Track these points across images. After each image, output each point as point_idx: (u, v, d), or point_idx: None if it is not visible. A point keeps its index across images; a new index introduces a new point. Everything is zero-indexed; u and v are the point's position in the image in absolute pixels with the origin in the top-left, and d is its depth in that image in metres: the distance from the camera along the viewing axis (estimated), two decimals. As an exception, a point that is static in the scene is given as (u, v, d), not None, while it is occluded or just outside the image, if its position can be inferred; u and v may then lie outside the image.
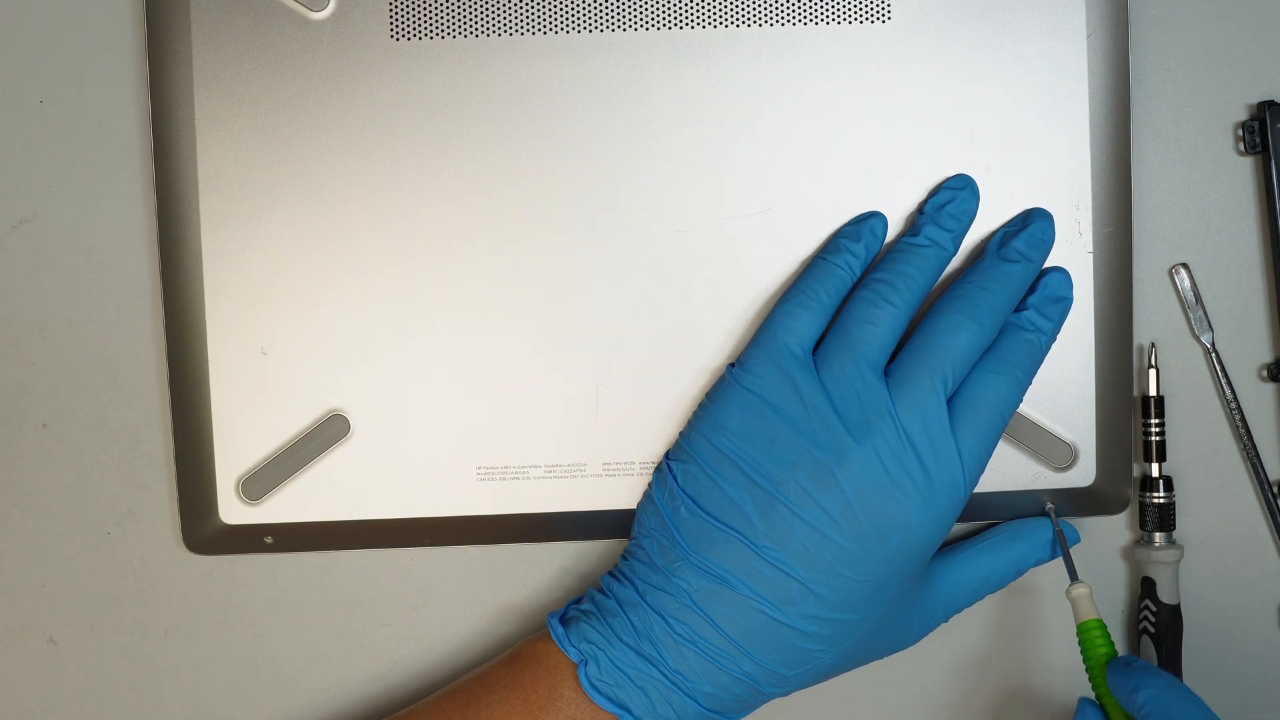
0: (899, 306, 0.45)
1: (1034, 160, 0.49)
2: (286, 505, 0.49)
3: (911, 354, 0.45)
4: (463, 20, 0.48)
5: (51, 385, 0.51)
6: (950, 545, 0.49)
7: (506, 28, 0.48)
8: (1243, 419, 0.52)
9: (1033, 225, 0.47)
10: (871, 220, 0.48)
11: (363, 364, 0.49)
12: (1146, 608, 0.51)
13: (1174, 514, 0.51)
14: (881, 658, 0.48)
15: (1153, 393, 0.51)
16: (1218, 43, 0.51)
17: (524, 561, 0.52)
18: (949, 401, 0.45)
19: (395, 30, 0.48)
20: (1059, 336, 0.48)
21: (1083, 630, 0.47)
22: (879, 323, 0.45)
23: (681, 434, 0.48)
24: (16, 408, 0.51)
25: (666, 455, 0.48)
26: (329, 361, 0.49)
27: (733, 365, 0.47)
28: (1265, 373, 0.52)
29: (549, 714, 0.45)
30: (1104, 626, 0.47)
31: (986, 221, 0.49)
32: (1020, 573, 0.49)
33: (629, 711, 0.45)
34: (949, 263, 0.47)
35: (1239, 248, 0.52)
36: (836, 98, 0.48)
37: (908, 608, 0.47)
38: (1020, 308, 0.47)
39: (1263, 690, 0.53)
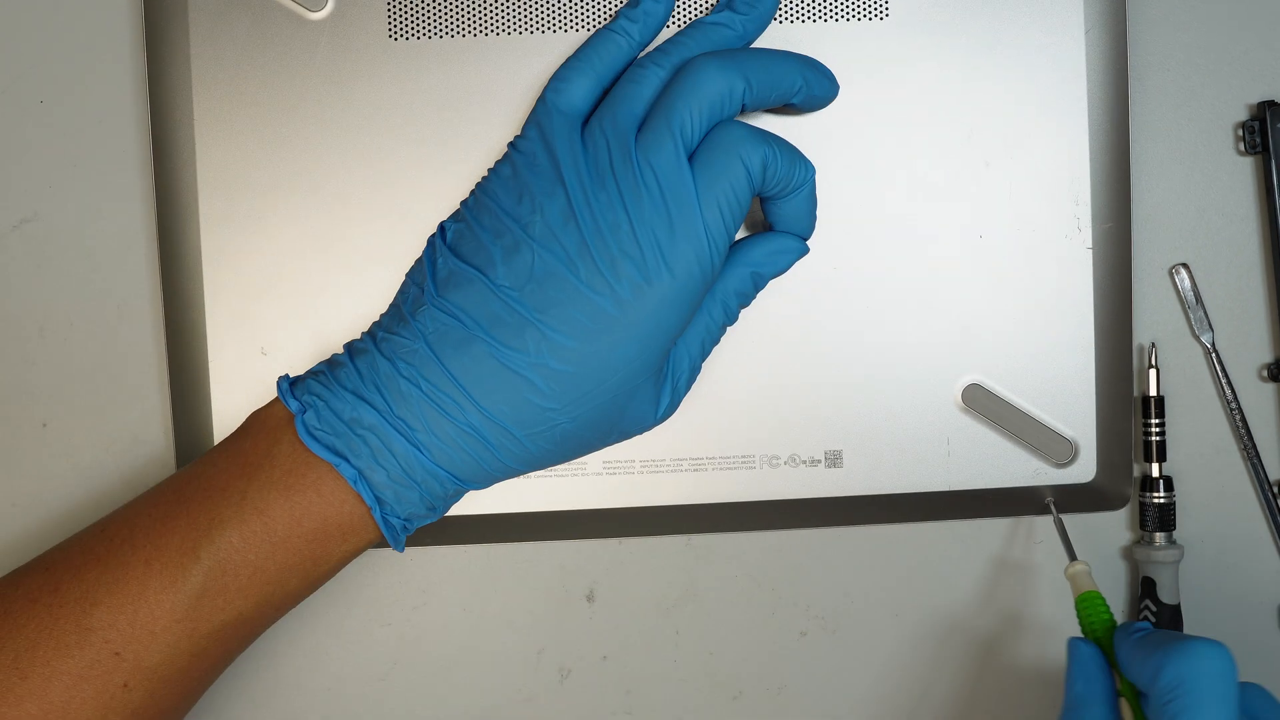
0: (666, 69, 0.45)
1: (1032, 156, 0.49)
2: (286, 505, 0.49)
3: (656, 105, 0.44)
4: (461, 20, 0.48)
5: (51, 385, 0.51)
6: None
7: (505, 27, 0.48)
8: (1243, 419, 0.52)
9: None
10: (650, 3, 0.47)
11: (362, 364, 0.49)
12: (1147, 608, 0.51)
13: (1174, 514, 0.51)
14: (629, 437, 0.47)
15: (1153, 393, 0.51)
16: (1218, 43, 0.51)
17: (524, 561, 0.52)
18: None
19: (393, 30, 0.48)
20: (1059, 336, 0.48)
21: (1083, 601, 0.46)
22: (643, 81, 0.44)
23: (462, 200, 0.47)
24: (16, 408, 0.51)
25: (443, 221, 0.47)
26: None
27: None
28: (1265, 373, 0.52)
29: (265, 470, 0.43)
30: (1103, 598, 0.46)
31: (984, 216, 0.49)
32: (760, 282, 0.47)
33: (347, 461, 0.43)
34: (736, 45, 0.47)
35: (1239, 248, 0.52)
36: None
37: (650, 379, 0.45)
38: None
39: (1263, 690, 0.53)
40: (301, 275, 0.48)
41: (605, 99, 0.45)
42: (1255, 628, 0.53)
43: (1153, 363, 0.51)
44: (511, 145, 0.46)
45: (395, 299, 0.46)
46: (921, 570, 0.52)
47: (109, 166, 0.50)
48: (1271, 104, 0.51)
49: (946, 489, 0.50)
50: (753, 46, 0.47)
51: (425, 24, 0.48)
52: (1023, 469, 0.50)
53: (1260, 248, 0.52)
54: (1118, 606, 0.53)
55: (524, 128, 0.46)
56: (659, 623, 0.52)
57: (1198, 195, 0.52)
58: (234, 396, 0.49)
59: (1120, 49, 0.49)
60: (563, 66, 0.46)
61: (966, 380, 0.50)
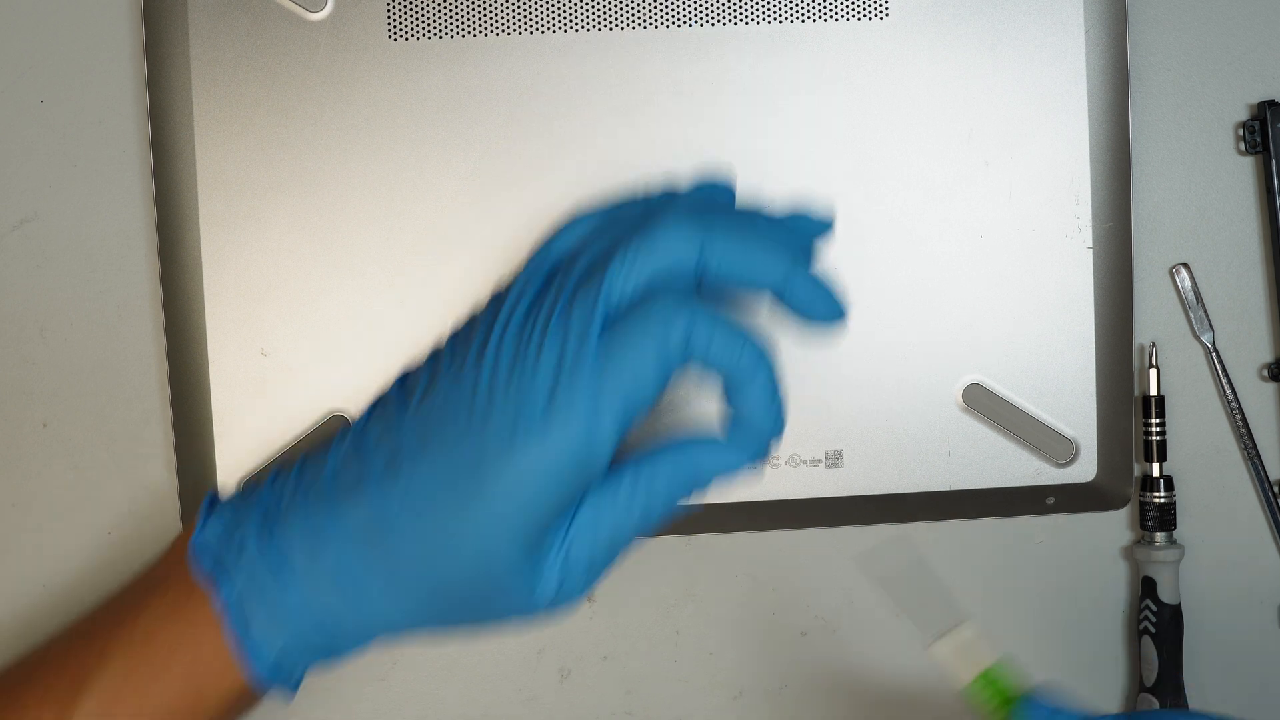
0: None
1: (1032, 155, 0.49)
2: (286, 505, 0.49)
3: (608, 250, 0.40)
4: (460, 20, 0.48)
5: (51, 385, 0.51)
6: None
7: (504, 27, 0.48)
8: (1243, 419, 0.52)
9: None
10: (716, 182, 0.43)
11: (363, 364, 0.49)
12: (1147, 608, 0.51)
13: (1174, 514, 0.51)
14: (509, 617, 0.40)
15: (1153, 392, 0.51)
16: (1218, 43, 0.51)
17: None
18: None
19: (393, 30, 0.48)
20: (1059, 336, 0.48)
21: (985, 680, 0.39)
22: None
23: None
24: (16, 408, 0.51)
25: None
26: (329, 362, 0.49)
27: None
28: (1266, 373, 0.52)
29: (158, 593, 0.41)
30: (1005, 667, 0.40)
31: (984, 216, 0.49)
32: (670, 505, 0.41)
33: (224, 589, 0.40)
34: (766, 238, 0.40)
35: (1239, 248, 0.52)
36: (835, 94, 0.48)
37: (521, 554, 0.39)
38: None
39: (1263, 690, 0.53)
40: (301, 276, 0.48)
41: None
42: (1255, 628, 0.53)
43: (1153, 362, 0.51)
44: (495, 289, 0.44)
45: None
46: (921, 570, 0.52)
47: (109, 166, 0.50)
48: (1272, 104, 0.51)
49: (947, 489, 0.50)
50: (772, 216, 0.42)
51: (425, 24, 0.48)
52: (1023, 469, 0.50)
53: (1260, 248, 0.52)
54: (1118, 607, 0.53)
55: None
56: (659, 623, 0.52)
57: (1198, 195, 0.52)
58: (234, 396, 0.49)
59: (1120, 49, 0.49)
60: (573, 216, 0.44)
61: (967, 380, 0.50)
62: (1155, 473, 0.51)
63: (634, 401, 0.38)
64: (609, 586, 0.52)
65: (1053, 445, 0.50)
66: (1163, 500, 0.51)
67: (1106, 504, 0.51)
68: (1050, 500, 0.50)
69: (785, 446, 0.49)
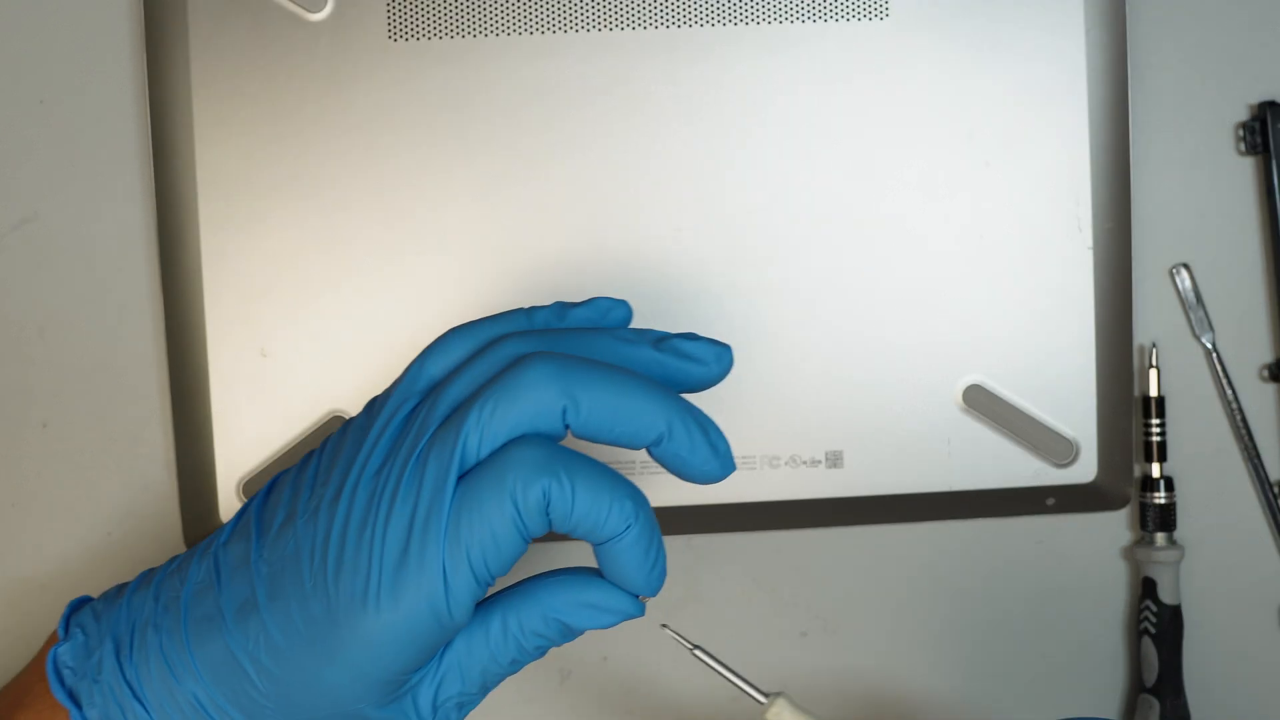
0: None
1: (1033, 155, 0.49)
2: (286, 505, 0.49)
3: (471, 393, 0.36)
4: (460, 20, 0.48)
5: (51, 385, 0.51)
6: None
7: (504, 27, 0.48)
8: (1243, 419, 0.52)
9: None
10: (606, 300, 0.40)
11: (362, 364, 0.49)
12: (1147, 608, 0.51)
13: (1175, 514, 0.51)
14: None
15: (1153, 393, 0.51)
16: (1218, 43, 0.51)
17: (524, 561, 0.52)
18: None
19: (393, 31, 0.48)
20: (1059, 336, 0.48)
21: None
22: (488, 360, 0.37)
23: None
24: (16, 408, 0.51)
25: None
26: (329, 362, 0.49)
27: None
28: (1266, 373, 0.52)
29: (24, 707, 0.38)
30: None
31: (984, 216, 0.49)
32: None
33: (80, 709, 0.38)
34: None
35: (1239, 248, 0.52)
36: (835, 95, 0.48)
37: (378, 711, 0.37)
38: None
39: (1263, 690, 0.53)
40: (301, 276, 0.48)
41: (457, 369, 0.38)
42: (1255, 628, 0.53)
43: (1153, 363, 0.51)
44: (371, 401, 0.39)
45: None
46: (921, 570, 0.52)
47: (109, 166, 0.50)
48: (1272, 104, 0.51)
49: (947, 489, 0.50)
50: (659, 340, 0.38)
51: (425, 24, 0.48)
52: (1023, 469, 0.50)
53: (1260, 248, 0.52)
54: (1118, 607, 0.53)
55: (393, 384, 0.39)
56: (659, 623, 0.52)
57: (1198, 195, 0.52)
58: (234, 396, 0.49)
59: (1120, 49, 0.49)
60: (449, 330, 0.39)
61: (967, 380, 0.50)
62: (1155, 473, 0.51)
63: (493, 563, 0.35)
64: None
65: (1053, 446, 0.50)
66: (1163, 501, 0.51)
67: (1106, 504, 0.51)
68: (1050, 501, 0.50)
69: (785, 446, 0.49)
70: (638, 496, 0.36)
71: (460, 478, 0.35)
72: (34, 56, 0.50)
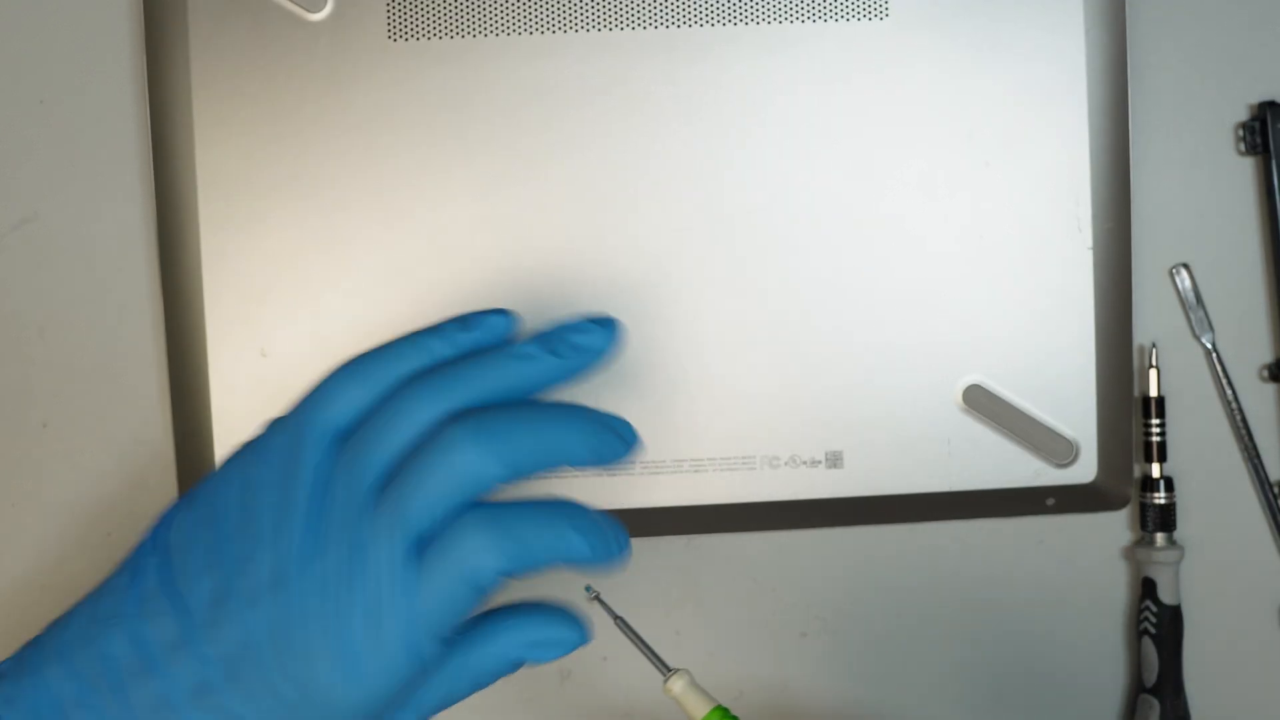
0: (438, 409, 0.36)
1: (1032, 155, 0.49)
2: (286, 505, 0.49)
3: (399, 473, 0.36)
4: (460, 20, 0.48)
5: (51, 385, 0.51)
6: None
7: (504, 27, 0.48)
8: (1243, 419, 0.52)
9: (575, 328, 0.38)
10: (493, 317, 0.39)
11: (362, 364, 0.49)
12: (1147, 608, 0.51)
13: (1175, 514, 0.51)
14: None
15: (1153, 393, 0.51)
16: (1218, 43, 0.51)
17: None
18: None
19: (392, 31, 0.48)
20: (1059, 336, 0.48)
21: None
22: (400, 422, 0.36)
23: None
24: (16, 408, 0.51)
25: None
26: (329, 362, 0.49)
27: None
28: (1266, 373, 0.52)
29: None
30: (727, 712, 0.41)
31: (984, 216, 0.49)
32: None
33: None
34: (543, 384, 0.38)
35: (1239, 248, 0.52)
36: (835, 95, 0.48)
37: None
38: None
39: (1263, 690, 0.53)
40: (301, 276, 0.48)
41: (360, 429, 0.36)
42: (1255, 628, 0.53)
43: (1153, 363, 0.51)
44: (249, 445, 0.38)
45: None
46: (922, 571, 0.52)
47: (109, 166, 0.50)
48: (1272, 104, 0.51)
49: (947, 489, 0.50)
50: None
51: (425, 25, 0.48)
52: (1023, 469, 0.50)
53: (1260, 248, 0.52)
54: (1118, 607, 0.53)
55: (271, 426, 0.38)
56: (659, 623, 0.52)
57: (1198, 195, 0.52)
58: (234, 397, 0.49)
59: (1120, 49, 0.49)
60: (339, 368, 0.38)
61: (967, 380, 0.50)
62: (1155, 473, 0.51)
63: (455, 621, 0.36)
64: (609, 587, 0.52)
65: (1053, 446, 0.50)
66: (1163, 501, 0.51)
67: (1106, 505, 0.51)
68: (1050, 501, 0.50)
69: (785, 447, 0.49)
70: (581, 522, 0.37)
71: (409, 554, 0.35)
72: (34, 56, 0.50)
